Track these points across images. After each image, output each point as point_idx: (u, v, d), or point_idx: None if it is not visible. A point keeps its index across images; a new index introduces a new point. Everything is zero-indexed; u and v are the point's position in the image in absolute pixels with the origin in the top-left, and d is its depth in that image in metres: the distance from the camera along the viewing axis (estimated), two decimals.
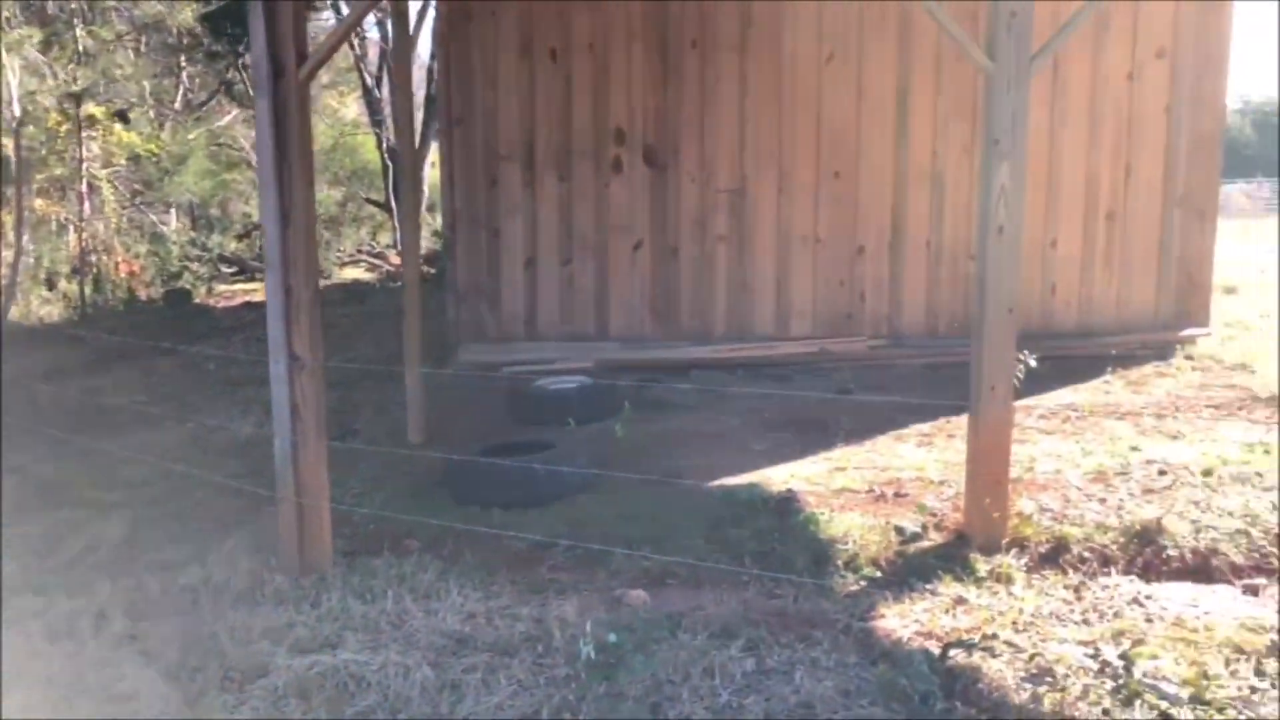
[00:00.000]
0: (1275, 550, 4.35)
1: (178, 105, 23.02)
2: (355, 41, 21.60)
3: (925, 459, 5.93)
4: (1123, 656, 3.31)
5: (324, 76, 27.90)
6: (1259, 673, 3.30)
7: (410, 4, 7.13)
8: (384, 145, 22.14)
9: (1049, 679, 3.31)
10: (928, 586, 4.10)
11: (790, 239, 8.73)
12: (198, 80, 24.39)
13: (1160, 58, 8.49)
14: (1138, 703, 3.14)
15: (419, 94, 18.79)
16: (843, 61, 8.50)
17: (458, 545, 4.73)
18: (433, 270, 12.79)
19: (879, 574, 4.28)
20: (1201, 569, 4.29)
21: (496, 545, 4.69)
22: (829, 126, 8.58)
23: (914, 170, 8.61)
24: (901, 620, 3.83)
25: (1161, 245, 8.70)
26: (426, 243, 14.44)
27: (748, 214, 8.71)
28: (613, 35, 8.52)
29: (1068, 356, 8.14)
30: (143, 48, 20.33)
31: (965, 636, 3.62)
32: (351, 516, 5.10)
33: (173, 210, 22.51)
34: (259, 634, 3.84)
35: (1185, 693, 3.19)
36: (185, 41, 19.53)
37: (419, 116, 17.54)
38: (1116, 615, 3.84)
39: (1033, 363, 6.49)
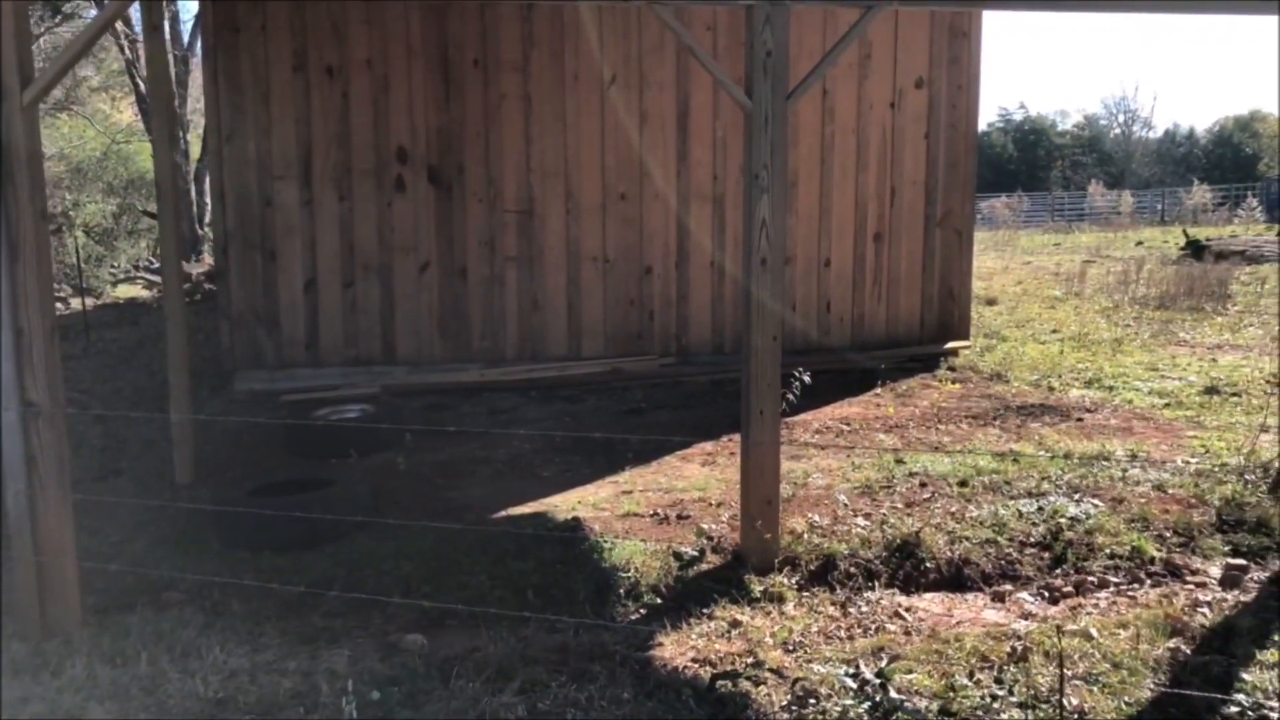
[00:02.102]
0: (1020, 557, 4.69)
1: None
2: (126, 45, 20.27)
3: (709, 479, 6.06)
4: (880, 674, 3.47)
5: (94, 79, 26.02)
6: (999, 680, 3.53)
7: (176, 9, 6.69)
8: None
9: (812, 702, 3.43)
10: (705, 611, 4.18)
11: (580, 259, 8.78)
12: None
13: (919, 87, 9.07)
14: None
15: (201, 103, 17.80)
16: (625, 84, 8.62)
17: (224, 595, 4.45)
18: (214, 288, 12.08)
19: (659, 601, 4.33)
20: (956, 579, 4.57)
21: (266, 593, 4.44)
22: (614, 148, 8.68)
23: (696, 192, 8.84)
24: (679, 648, 3.88)
25: (924, 264, 9.29)
26: (210, 260, 13.65)
27: (537, 234, 8.69)
28: (392, 52, 8.31)
29: (843, 370, 8.57)
30: None
31: (736, 663, 3.71)
32: (106, 570, 4.71)
33: None
34: None
35: (935, 705, 3.38)
36: None
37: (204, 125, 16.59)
38: (879, 630, 4.03)
39: (807, 379, 6.74)
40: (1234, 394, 7.82)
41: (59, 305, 13.79)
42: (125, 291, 18.39)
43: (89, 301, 14.54)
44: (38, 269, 4.37)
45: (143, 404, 7.88)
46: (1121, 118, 59.43)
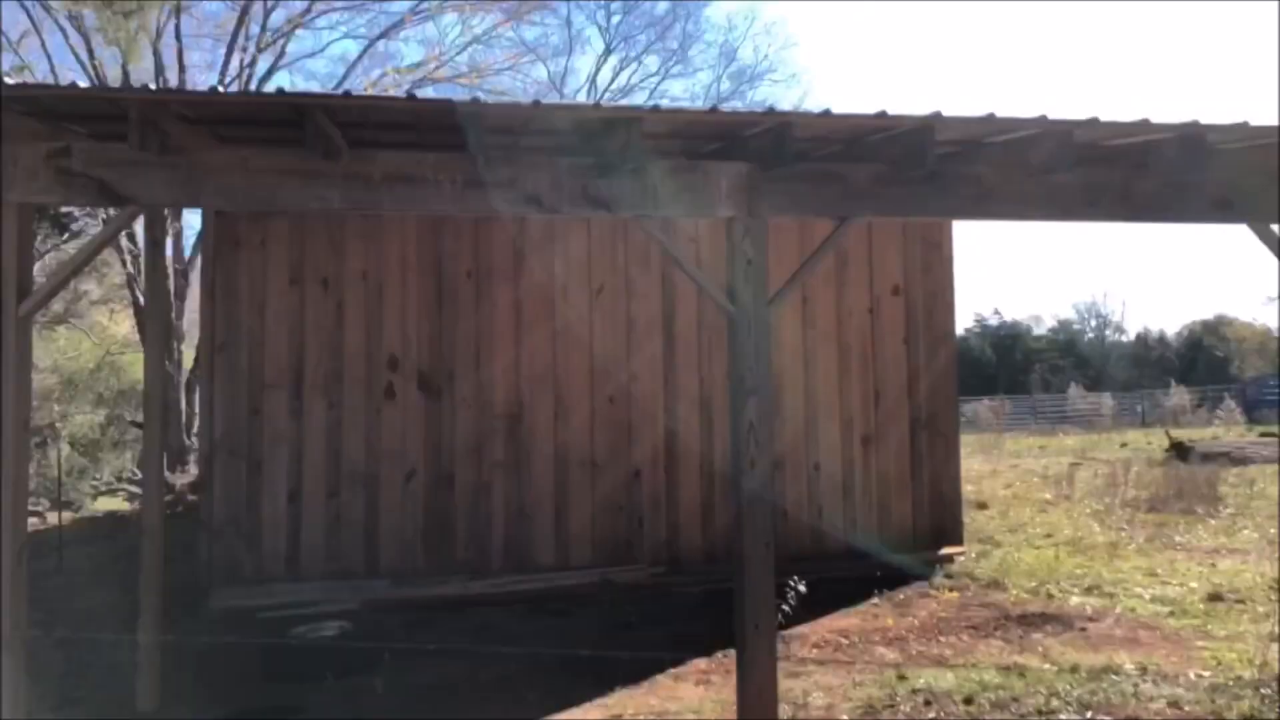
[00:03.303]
0: None
1: None
2: (127, 259, 20.87)
3: (704, 700, 5.77)
4: None
5: (95, 292, 26.65)
6: None
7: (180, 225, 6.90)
8: None
9: None
10: None
11: (568, 464, 8.72)
12: None
13: (896, 295, 9.33)
14: None
15: (198, 315, 18.14)
16: (611, 293, 8.85)
17: None
18: (196, 499, 11.89)
19: None
20: None
21: None
22: (601, 353, 8.81)
23: (683, 395, 8.91)
24: None
25: (913, 468, 9.27)
26: (195, 470, 13.52)
27: (525, 439, 8.67)
28: (387, 265, 8.55)
29: (839, 579, 8.34)
30: None
31: None
32: None
33: None
34: None
35: None
36: None
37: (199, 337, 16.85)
38: None
39: (803, 588, 6.58)
40: (1238, 600, 7.64)
41: (35, 520, 13.51)
42: (106, 504, 18.10)
43: (66, 515, 14.27)
44: (14, 487, 4.29)
45: (112, 624, 7.57)
46: (1094, 322, 61.28)
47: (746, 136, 5.24)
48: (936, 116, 4.69)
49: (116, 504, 18.07)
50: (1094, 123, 4.76)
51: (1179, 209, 5.51)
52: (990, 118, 4.74)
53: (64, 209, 17.42)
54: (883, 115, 4.61)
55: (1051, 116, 4.80)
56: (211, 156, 4.98)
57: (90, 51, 18.56)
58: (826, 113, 4.59)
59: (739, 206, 5.06)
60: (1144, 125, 4.81)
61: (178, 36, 19.72)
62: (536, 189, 5.14)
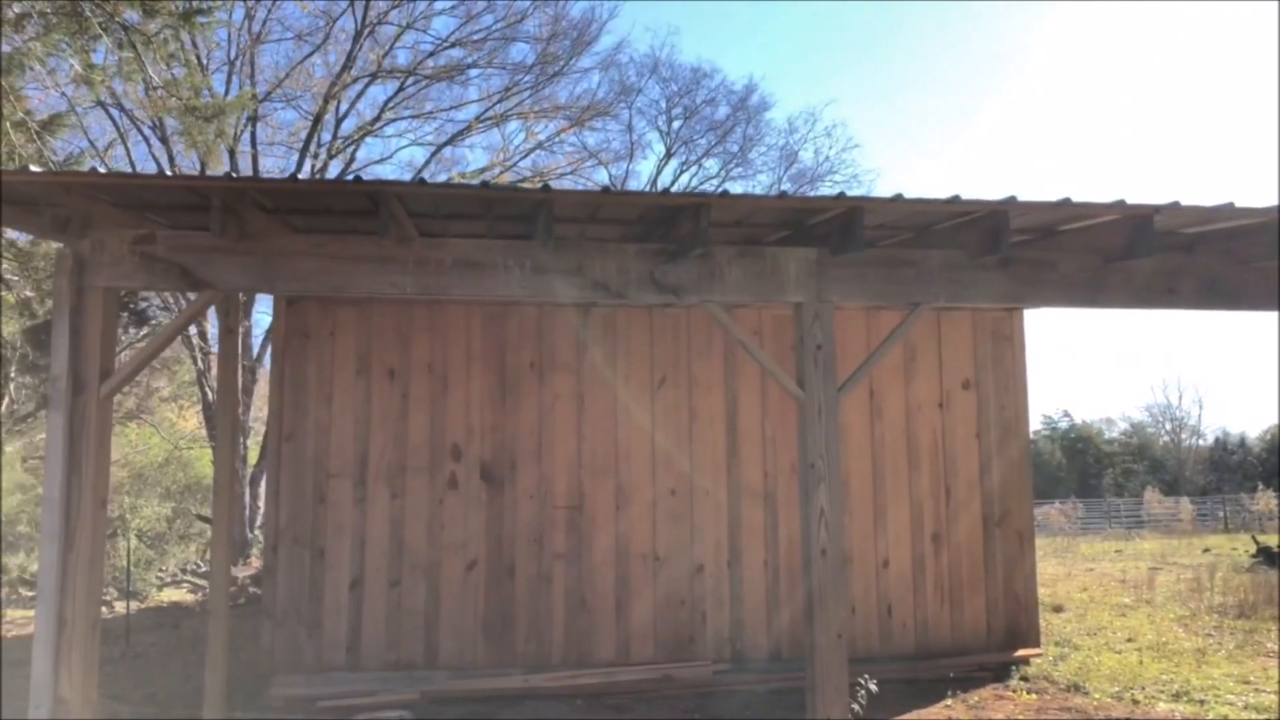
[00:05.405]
0: None
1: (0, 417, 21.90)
2: (198, 356, 21.47)
3: None
4: None
5: (166, 389, 27.39)
6: None
7: (249, 323, 7.08)
8: None
9: None
10: None
11: (629, 556, 8.60)
12: (24, 392, 23.46)
13: (966, 388, 9.16)
14: None
15: (263, 411, 18.47)
16: (674, 385, 8.82)
17: None
18: (258, 591, 11.94)
19: None
20: None
21: None
22: (663, 445, 8.74)
23: (747, 489, 8.77)
24: None
25: (986, 566, 8.95)
26: (258, 562, 13.60)
27: (586, 530, 8.59)
28: (452, 356, 8.65)
29: (909, 680, 8.04)
30: None
31: None
32: None
33: None
34: None
35: None
36: (13, 354, 18.92)
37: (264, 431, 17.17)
38: None
39: (873, 687, 6.34)
40: None
41: (103, 609, 13.66)
42: (170, 595, 18.25)
43: (133, 605, 14.41)
44: (90, 560, 4.33)
45: (174, 710, 7.54)
46: (1169, 425, 59.57)
47: (813, 225, 5.26)
48: (1010, 202, 4.66)
49: (180, 595, 18.20)
50: (1176, 207, 4.69)
51: (1266, 297, 5.37)
52: (1066, 202, 4.69)
53: (143, 304, 18.04)
54: (955, 200, 4.59)
55: (1130, 201, 4.74)
56: (287, 243, 5.13)
57: (171, 158, 19.43)
58: (898, 197, 4.59)
59: (808, 291, 5.05)
60: (1230, 210, 4.72)
61: (253, 143, 20.59)
62: (604, 275, 5.19)
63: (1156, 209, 4.76)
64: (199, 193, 4.70)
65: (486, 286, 5.23)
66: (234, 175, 4.63)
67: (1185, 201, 4.77)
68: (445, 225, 5.61)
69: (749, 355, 7.86)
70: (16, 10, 8.76)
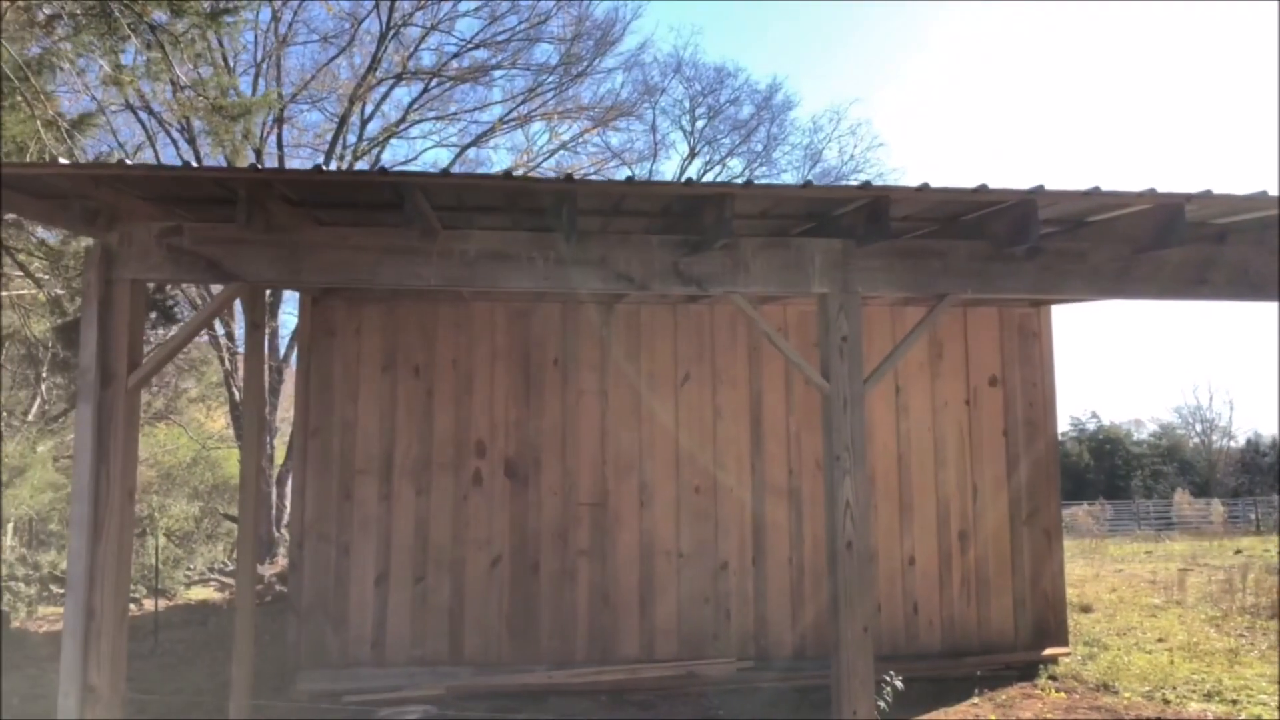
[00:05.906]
0: None
1: (31, 416, 22.16)
2: (225, 356, 21.64)
3: None
4: None
5: (193, 390, 27.63)
6: None
7: (275, 324, 7.12)
8: None
9: None
10: None
11: (653, 553, 8.58)
12: (55, 391, 23.73)
13: (993, 385, 9.08)
14: None
15: (290, 411, 18.62)
16: (697, 381, 8.80)
17: None
18: (284, 589, 12.01)
19: None
20: None
21: None
22: (687, 441, 8.72)
23: (771, 485, 8.73)
24: None
25: (1013, 564, 8.86)
26: (284, 561, 13.69)
27: (610, 527, 8.57)
28: (476, 353, 8.67)
29: (935, 678, 7.98)
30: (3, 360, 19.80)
31: None
32: None
33: (9, 526, 20.98)
34: None
35: None
36: (44, 353, 19.14)
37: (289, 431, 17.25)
38: None
39: (899, 684, 6.29)
40: None
41: (132, 606, 13.78)
42: (197, 593, 18.39)
43: (161, 602, 14.53)
44: (118, 550, 4.36)
45: (201, 706, 7.59)
46: (1199, 426, 58.83)
47: (838, 216, 5.21)
48: (1039, 191, 4.61)
49: (208, 593, 18.34)
50: (1208, 196, 4.61)
51: None
52: (1095, 191, 4.63)
53: (170, 302, 18.19)
54: (983, 189, 4.55)
55: (1160, 190, 4.68)
56: (313, 235, 5.14)
57: (198, 159, 19.57)
58: (924, 187, 4.54)
59: (833, 282, 5.01)
60: (1264, 199, 4.64)
61: (279, 145, 20.73)
62: (628, 266, 5.18)
63: (1188, 197, 4.69)
64: (225, 185, 4.73)
65: (510, 278, 5.22)
66: (259, 167, 4.66)
67: (1217, 190, 4.70)
68: (469, 219, 5.61)
69: (774, 349, 7.80)
70: (47, 11, 8.86)
